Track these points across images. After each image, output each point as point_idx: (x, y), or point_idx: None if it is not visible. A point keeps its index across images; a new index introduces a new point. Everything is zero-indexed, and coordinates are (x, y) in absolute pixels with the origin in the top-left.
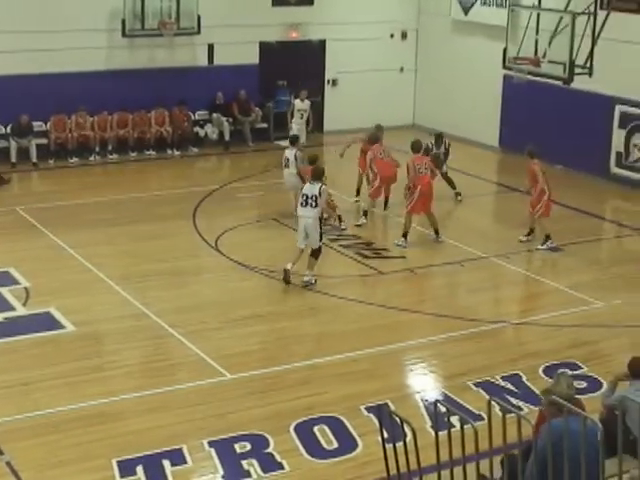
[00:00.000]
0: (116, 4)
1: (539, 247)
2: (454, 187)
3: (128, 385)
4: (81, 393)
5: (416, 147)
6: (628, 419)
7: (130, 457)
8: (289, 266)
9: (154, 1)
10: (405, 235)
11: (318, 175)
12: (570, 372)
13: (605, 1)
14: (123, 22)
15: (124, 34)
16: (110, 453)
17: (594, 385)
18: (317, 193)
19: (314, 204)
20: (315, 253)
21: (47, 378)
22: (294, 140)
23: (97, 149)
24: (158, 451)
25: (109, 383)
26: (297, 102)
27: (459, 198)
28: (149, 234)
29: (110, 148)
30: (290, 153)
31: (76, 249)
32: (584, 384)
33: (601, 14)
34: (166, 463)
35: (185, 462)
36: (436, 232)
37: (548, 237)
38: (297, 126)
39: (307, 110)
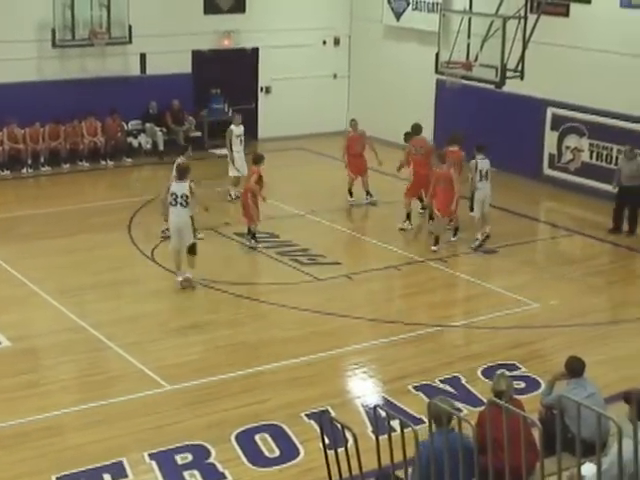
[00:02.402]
0: (45, 14)
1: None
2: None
3: (66, 399)
4: (18, 409)
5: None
6: (566, 417)
7: (70, 472)
8: (180, 277)
9: (84, 11)
10: (408, 215)
11: (183, 173)
12: (508, 373)
13: (535, 5)
14: (53, 32)
15: (54, 44)
16: (49, 469)
17: (532, 385)
18: (187, 192)
19: (184, 203)
20: (192, 250)
21: None
22: (482, 146)
23: (29, 161)
24: (98, 465)
25: (46, 398)
26: (234, 128)
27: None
28: (84, 246)
29: (42, 160)
30: (485, 163)
31: (10, 263)
32: (523, 384)
33: (531, 18)
34: (107, 477)
35: (126, 475)
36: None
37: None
38: (238, 154)
39: (242, 134)
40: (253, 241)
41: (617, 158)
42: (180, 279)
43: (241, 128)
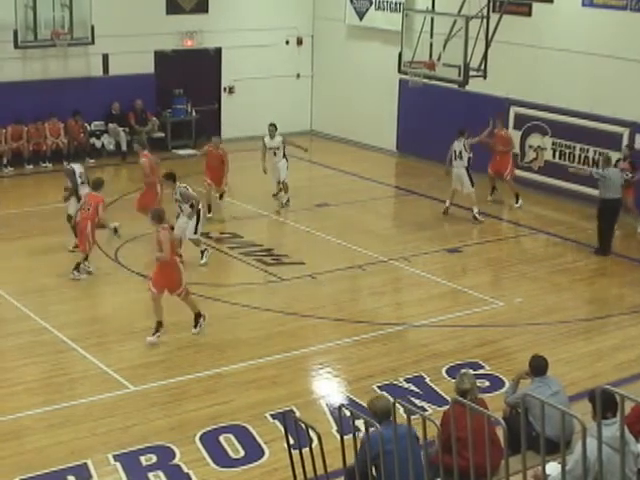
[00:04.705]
0: (7, 15)
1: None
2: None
3: (28, 402)
4: None
5: None
6: (530, 416)
7: (33, 475)
8: None
9: (46, 11)
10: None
11: None
12: (473, 371)
13: (498, 4)
14: (15, 33)
15: (16, 45)
16: (12, 472)
17: (497, 384)
18: None
19: None
20: None
21: None
22: (463, 131)
23: None
24: (62, 467)
25: (8, 401)
26: (267, 140)
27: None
28: (46, 248)
29: (5, 162)
30: (459, 145)
31: None
32: (487, 383)
33: (494, 17)
34: (71, 479)
35: (90, 477)
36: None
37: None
38: (271, 165)
39: (279, 147)
40: (76, 272)
41: (580, 157)
42: None
43: (277, 140)
